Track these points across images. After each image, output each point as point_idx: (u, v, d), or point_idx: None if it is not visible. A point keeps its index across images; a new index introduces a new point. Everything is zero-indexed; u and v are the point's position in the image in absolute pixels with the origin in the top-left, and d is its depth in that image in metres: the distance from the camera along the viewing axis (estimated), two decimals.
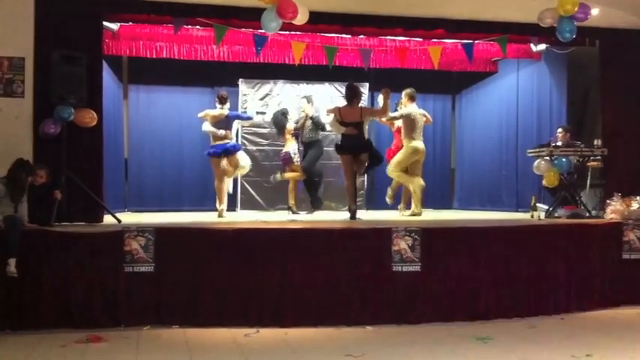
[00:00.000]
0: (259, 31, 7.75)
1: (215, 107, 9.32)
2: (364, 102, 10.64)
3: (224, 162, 9.01)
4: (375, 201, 11.56)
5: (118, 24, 8.94)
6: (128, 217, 8.41)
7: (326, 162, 11.30)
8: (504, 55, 9.58)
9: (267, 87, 11.29)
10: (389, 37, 9.60)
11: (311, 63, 9.97)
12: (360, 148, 8.19)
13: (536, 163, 8.75)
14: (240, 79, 11.12)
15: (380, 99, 9.47)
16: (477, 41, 8.92)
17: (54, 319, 5.97)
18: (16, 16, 7.06)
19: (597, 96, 9.51)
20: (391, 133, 10.25)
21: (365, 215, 9.27)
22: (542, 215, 8.55)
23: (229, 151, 9.11)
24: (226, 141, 9.13)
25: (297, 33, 8.93)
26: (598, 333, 6.09)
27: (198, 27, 8.86)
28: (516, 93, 11.16)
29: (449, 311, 6.58)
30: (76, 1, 7.29)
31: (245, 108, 10.88)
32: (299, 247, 6.44)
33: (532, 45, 9.98)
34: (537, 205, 8.77)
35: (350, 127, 8.11)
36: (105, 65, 8.21)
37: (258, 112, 10.61)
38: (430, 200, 12.19)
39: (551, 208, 8.61)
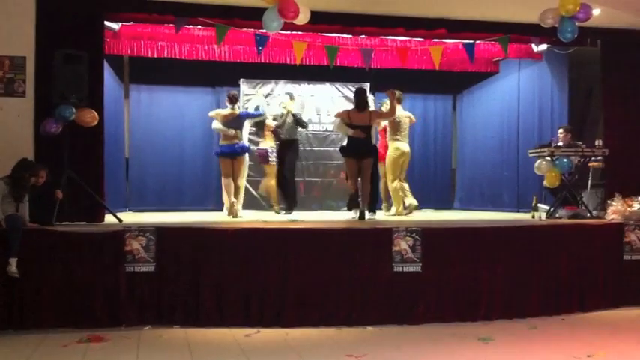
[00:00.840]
0: (260, 30, 7.76)
1: (226, 107, 9.28)
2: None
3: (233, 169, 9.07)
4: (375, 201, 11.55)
5: (119, 23, 8.94)
6: (129, 217, 8.41)
7: (327, 162, 11.34)
8: (505, 56, 9.58)
9: (269, 87, 11.29)
10: (390, 37, 9.60)
11: (312, 63, 9.97)
12: (365, 153, 8.19)
13: (537, 163, 8.75)
14: (242, 79, 11.11)
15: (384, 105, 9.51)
16: (478, 41, 8.92)
17: (55, 318, 5.97)
18: (18, 16, 7.07)
19: (598, 96, 9.51)
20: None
21: (365, 215, 9.25)
22: (543, 216, 8.55)
23: (237, 153, 9.07)
24: (235, 141, 9.07)
25: (299, 33, 8.94)
26: (599, 333, 6.08)
27: (199, 27, 8.86)
28: (517, 93, 11.16)
29: (450, 311, 6.58)
30: (77, 0, 7.30)
31: (246, 108, 10.88)
32: (300, 247, 6.44)
33: (533, 45, 9.97)
34: (538, 205, 8.78)
35: (358, 130, 8.10)
36: (106, 65, 8.22)
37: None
38: (431, 200, 12.24)
39: (552, 209, 8.60)
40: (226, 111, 9.16)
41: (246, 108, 10.69)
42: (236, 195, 9.09)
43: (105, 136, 7.57)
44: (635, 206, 7.71)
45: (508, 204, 11.01)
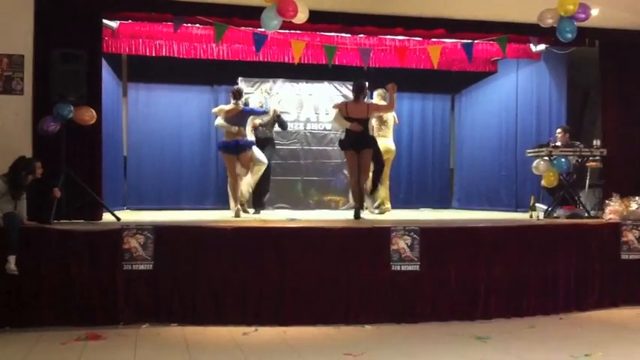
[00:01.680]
0: (259, 29, 7.75)
1: (229, 102, 9.22)
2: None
3: (238, 167, 8.94)
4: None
5: (118, 22, 8.91)
6: (127, 215, 8.41)
7: (325, 161, 11.35)
8: (504, 55, 9.59)
9: (267, 85, 11.28)
10: (388, 37, 9.59)
11: (310, 62, 9.96)
12: (363, 143, 8.16)
13: (535, 163, 8.75)
14: (240, 78, 11.11)
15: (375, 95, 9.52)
16: (476, 41, 8.91)
17: (53, 316, 5.97)
18: (16, 14, 7.05)
19: (597, 96, 9.52)
20: None
21: (364, 214, 9.25)
22: (541, 215, 8.55)
23: (240, 147, 8.92)
24: (239, 137, 8.93)
25: (297, 32, 8.93)
26: (597, 333, 6.10)
27: (197, 25, 8.85)
28: (516, 93, 11.16)
29: (448, 310, 6.59)
30: None
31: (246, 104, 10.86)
32: (298, 245, 6.44)
33: (532, 45, 9.97)
34: (536, 205, 8.79)
35: (355, 123, 8.07)
36: (104, 63, 8.22)
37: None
38: (429, 200, 12.28)
39: (550, 209, 8.61)
40: (230, 106, 9.04)
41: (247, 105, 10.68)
42: (237, 192, 8.95)
43: (103, 135, 7.56)
44: (633, 206, 7.72)
45: (506, 203, 11.01)
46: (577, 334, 6.05)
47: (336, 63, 9.36)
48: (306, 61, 9.77)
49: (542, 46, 10.04)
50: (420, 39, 9.44)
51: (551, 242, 7.07)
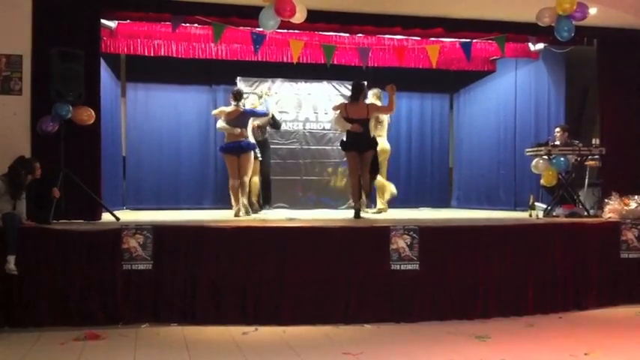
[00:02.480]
0: (257, 29, 7.75)
1: (229, 104, 9.19)
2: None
3: (242, 169, 8.91)
4: (375, 199, 11.55)
5: (116, 21, 8.92)
6: (126, 215, 8.41)
7: (324, 160, 11.35)
8: (502, 54, 9.60)
9: (265, 85, 11.28)
10: (387, 36, 9.60)
11: (309, 61, 9.96)
12: (365, 145, 8.16)
13: (534, 162, 8.75)
14: (238, 78, 11.10)
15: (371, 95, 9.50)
16: (475, 40, 8.91)
17: (52, 316, 5.97)
18: (14, 14, 7.05)
19: (595, 95, 9.52)
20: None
21: (364, 214, 9.25)
22: (541, 214, 8.55)
23: (242, 149, 8.87)
24: (241, 138, 8.91)
25: (296, 31, 8.91)
26: (596, 332, 6.10)
27: (196, 25, 8.86)
28: (514, 92, 11.16)
29: (447, 309, 6.59)
30: None
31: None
32: (297, 245, 6.44)
33: (530, 44, 9.98)
34: (535, 204, 8.79)
35: (356, 124, 8.08)
36: (103, 63, 8.21)
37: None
38: (428, 199, 12.27)
39: (549, 207, 8.61)
40: (230, 108, 9.00)
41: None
42: (242, 192, 8.91)
43: (102, 135, 7.54)
44: (632, 205, 7.73)
45: (505, 202, 11.02)
46: (576, 333, 6.06)
47: (335, 62, 9.35)
48: (304, 61, 9.76)
49: (540, 46, 10.05)
50: (419, 38, 9.44)
51: (550, 241, 7.08)
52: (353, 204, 8.42)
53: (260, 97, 10.30)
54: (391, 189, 9.65)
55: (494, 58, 11.10)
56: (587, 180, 9.23)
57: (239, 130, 8.85)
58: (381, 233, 6.59)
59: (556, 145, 8.78)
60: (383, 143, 9.45)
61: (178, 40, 9.66)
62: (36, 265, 5.99)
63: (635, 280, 7.37)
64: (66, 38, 7.04)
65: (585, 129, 10.73)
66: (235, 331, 5.94)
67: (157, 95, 11.35)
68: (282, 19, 6.95)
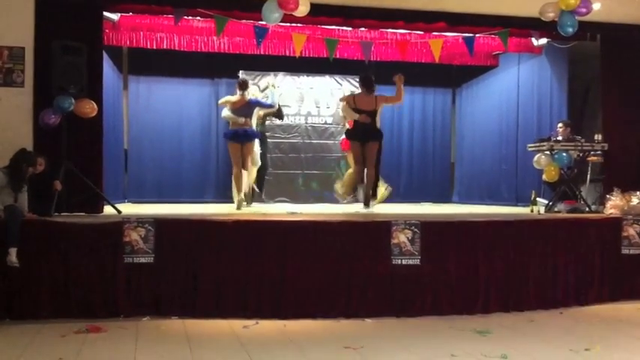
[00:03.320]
0: (260, 22, 7.74)
1: (231, 94, 9.19)
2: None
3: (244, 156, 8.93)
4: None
5: (119, 14, 8.93)
6: (128, 208, 8.40)
7: (326, 155, 11.36)
8: (505, 49, 9.57)
9: (268, 79, 11.28)
10: (390, 30, 9.58)
11: (312, 55, 9.96)
12: (369, 136, 8.17)
13: (536, 157, 8.75)
14: (241, 71, 11.09)
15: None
16: (478, 35, 8.89)
17: (53, 309, 5.97)
18: (16, 6, 7.04)
19: (598, 91, 9.50)
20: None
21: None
22: (542, 210, 8.55)
23: (248, 136, 8.91)
24: (246, 127, 8.92)
25: (298, 25, 8.91)
26: (597, 327, 6.09)
27: (198, 18, 8.85)
28: (517, 87, 11.15)
29: (448, 304, 6.59)
30: None
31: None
32: (298, 239, 6.44)
33: (533, 39, 9.94)
34: (537, 199, 8.80)
35: (364, 115, 8.11)
36: (105, 56, 8.19)
37: None
38: (430, 194, 12.27)
39: (550, 203, 8.61)
40: (236, 97, 9.02)
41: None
42: (243, 181, 8.93)
43: (104, 128, 7.54)
44: (634, 201, 7.72)
45: (507, 198, 11.01)
46: (577, 328, 6.06)
47: (338, 56, 9.35)
48: (307, 55, 9.77)
49: (543, 41, 10.02)
50: (422, 32, 9.43)
51: (551, 237, 7.07)
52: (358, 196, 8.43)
53: (264, 90, 10.26)
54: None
55: (497, 53, 11.09)
56: (589, 176, 9.24)
57: (244, 119, 8.88)
58: (383, 228, 6.58)
59: (558, 141, 8.78)
60: None
61: (181, 33, 9.66)
62: (37, 257, 5.99)
63: (636, 276, 7.36)
64: (68, 31, 7.02)
65: (588, 124, 10.72)
66: (236, 324, 5.94)
67: (159, 88, 11.36)
68: (285, 13, 6.94)
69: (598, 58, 9.16)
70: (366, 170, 8.38)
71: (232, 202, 9.08)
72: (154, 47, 9.73)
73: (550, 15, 7.40)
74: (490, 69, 11.68)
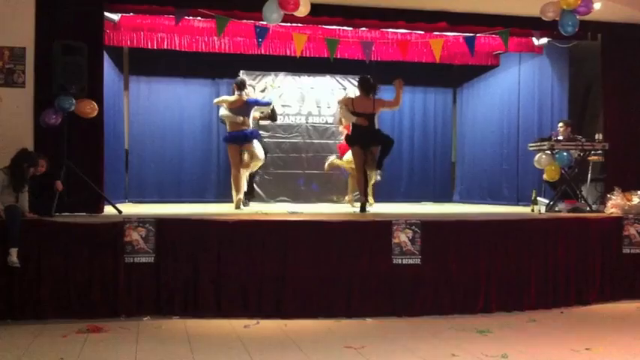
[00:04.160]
0: (261, 22, 7.73)
1: (231, 95, 9.17)
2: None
3: (245, 156, 8.89)
4: (381, 193, 11.52)
5: (119, 14, 8.92)
6: (128, 208, 8.41)
7: (327, 154, 11.32)
8: (506, 49, 9.53)
9: (269, 79, 11.27)
10: (390, 30, 9.57)
11: (312, 55, 9.94)
12: (370, 140, 8.15)
13: (537, 157, 8.75)
14: (241, 71, 11.07)
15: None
16: (478, 34, 8.88)
17: (54, 309, 5.98)
18: (17, 6, 7.05)
19: (598, 90, 9.50)
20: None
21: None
22: (543, 209, 8.55)
23: (248, 138, 8.90)
24: (244, 127, 8.92)
25: (299, 25, 8.90)
26: (597, 327, 6.10)
27: (199, 18, 8.83)
28: (518, 87, 11.14)
29: (449, 304, 6.60)
30: None
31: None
32: (299, 239, 6.44)
33: (534, 39, 9.93)
34: (538, 198, 8.78)
35: (362, 118, 8.08)
36: (106, 56, 8.19)
37: None
38: (431, 193, 12.27)
39: (551, 202, 8.61)
40: (234, 98, 9.03)
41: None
42: (242, 182, 8.93)
43: (104, 128, 7.54)
44: (635, 200, 7.72)
45: (508, 197, 11.01)
46: (578, 328, 6.06)
47: (338, 56, 9.33)
48: (307, 55, 9.76)
49: (544, 40, 10.00)
50: (422, 32, 9.42)
51: (552, 236, 7.07)
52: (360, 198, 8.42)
53: (263, 90, 10.26)
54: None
55: (498, 52, 11.07)
56: (589, 175, 9.24)
57: (242, 118, 8.89)
58: (383, 227, 6.59)
59: (559, 140, 8.78)
60: None
61: (181, 34, 9.65)
62: (38, 257, 6.00)
63: (637, 275, 7.37)
64: (69, 31, 7.03)
65: (588, 124, 10.71)
66: (237, 324, 5.95)
67: (160, 88, 11.36)
68: (285, 13, 6.95)
69: (599, 57, 9.15)
70: (366, 173, 8.37)
71: (232, 202, 9.08)
72: (155, 47, 9.71)
73: (551, 14, 7.40)
74: (491, 68, 11.67)
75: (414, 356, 4.95)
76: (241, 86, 9.05)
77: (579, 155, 8.95)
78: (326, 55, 9.10)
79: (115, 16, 8.90)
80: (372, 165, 8.27)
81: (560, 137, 8.99)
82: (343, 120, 9.10)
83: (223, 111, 9.07)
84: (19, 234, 5.88)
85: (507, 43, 8.75)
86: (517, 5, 8.11)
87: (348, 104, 8.24)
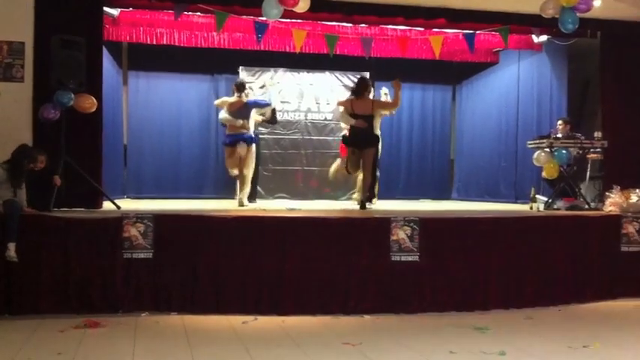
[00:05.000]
0: (260, 18, 7.73)
1: (230, 92, 9.16)
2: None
3: (242, 150, 8.83)
4: (380, 190, 11.50)
5: (119, 9, 8.91)
6: (127, 204, 8.41)
7: (326, 151, 11.36)
8: (505, 46, 9.55)
9: (268, 75, 11.28)
10: (390, 26, 9.57)
11: (312, 51, 9.95)
12: (366, 143, 8.13)
13: (535, 154, 8.74)
14: (241, 67, 11.11)
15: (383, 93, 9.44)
16: (478, 31, 8.88)
17: (52, 304, 5.97)
18: (17, 1, 7.03)
19: (598, 88, 9.50)
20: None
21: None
22: (541, 207, 8.55)
23: (245, 142, 8.84)
24: (243, 131, 8.90)
25: (298, 21, 8.88)
26: (595, 325, 6.11)
27: (198, 13, 8.85)
28: (517, 84, 11.15)
29: (447, 301, 6.59)
30: None
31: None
32: (297, 235, 6.44)
33: (533, 36, 9.94)
34: (536, 196, 8.79)
35: (360, 120, 8.03)
36: (105, 51, 8.19)
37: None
38: (429, 190, 12.28)
39: (550, 200, 8.61)
40: (233, 99, 8.98)
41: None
42: (242, 185, 8.93)
43: (103, 123, 7.54)
44: (634, 198, 7.72)
45: (506, 195, 11.01)
46: (575, 325, 6.06)
47: (338, 52, 9.34)
48: (307, 51, 9.75)
49: (543, 37, 10.02)
50: (422, 29, 9.41)
51: (550, 234, 7.07)
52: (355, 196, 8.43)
53: (262, 87, 10.25)
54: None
55: (497, 49, 11.08)
56: (588, 173, 9.24)
57: (241, 121, 8.85)
58: (382, 224, 6.58)
59: (558, 138, 8.78)
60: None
61: (180, 29, 9.65)
62: (36, 252, 5.98)
63: (635, 273, 7.35)
64: (68, 26, 7.02)
65: (587, 122, 10.72)
66: (235, 320, 5.94)
67: (159, 84, 11.36)
68: (285, 8, 6.93)
69: (598, 55, 9.15)
70: (361, 175, 8.36)
71: (231, 198, 9.07)
72: (154, 43, 9.72)
73: (550, 12, 7.39)
74: (490, 66, 11.67)
75: (412, 353, 4.95)
76: (241, 87, 9.03)
77: (578, 153, 8.95)
78: (325, 52, 9.12)
79: (115, 11, 8.89)
80: (367, 170, 8.24)
81: (559, 135, 8.99)
82: (342, 124, 9.08)
83: (223, 114, 9.04)
84: (17, 228, 5.87)
85: (507, 41, 8.77)
86: (517, 2, 8.11)
87: (347, 107, 8.21)
